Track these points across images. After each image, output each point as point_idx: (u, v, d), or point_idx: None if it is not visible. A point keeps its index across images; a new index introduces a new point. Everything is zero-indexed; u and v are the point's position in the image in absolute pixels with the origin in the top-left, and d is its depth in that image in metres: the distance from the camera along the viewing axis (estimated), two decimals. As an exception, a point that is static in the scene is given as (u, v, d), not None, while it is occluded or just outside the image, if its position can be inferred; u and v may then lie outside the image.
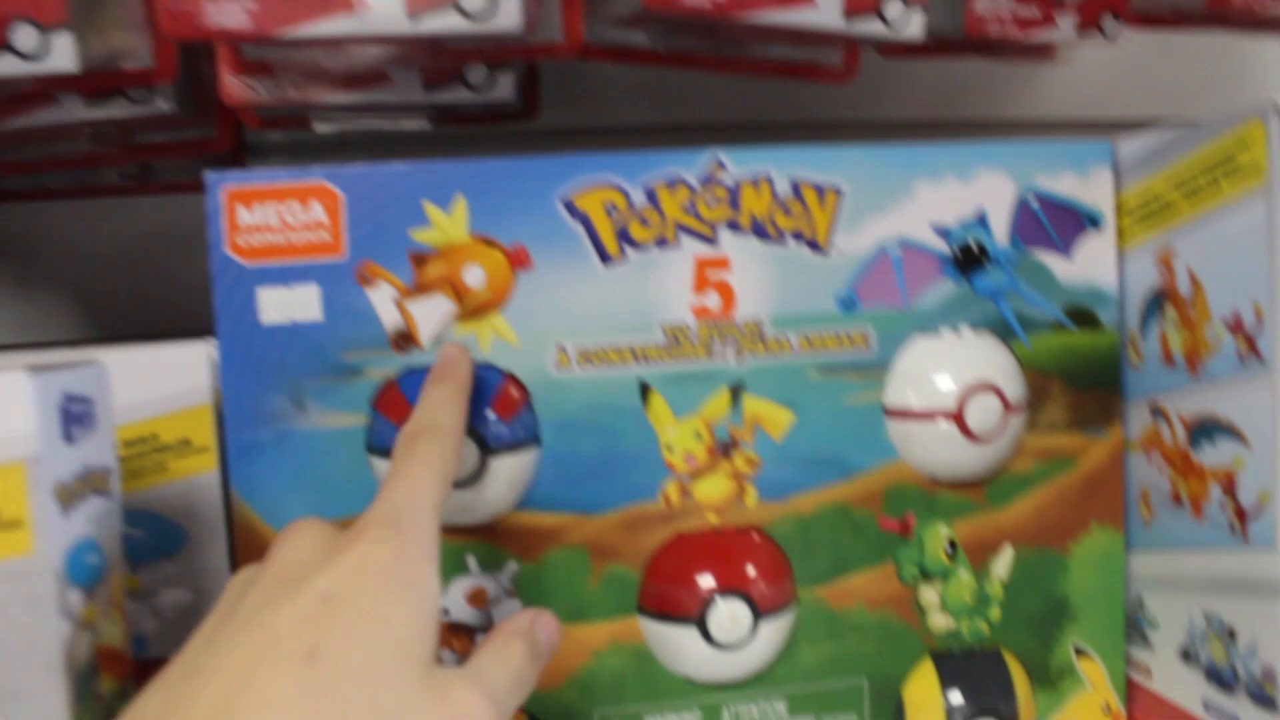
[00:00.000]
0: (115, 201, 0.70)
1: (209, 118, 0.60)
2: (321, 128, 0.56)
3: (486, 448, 0.45)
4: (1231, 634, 0.47)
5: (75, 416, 0.38)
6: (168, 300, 0.72)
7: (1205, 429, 0.48)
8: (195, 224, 0.72)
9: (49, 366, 0.37)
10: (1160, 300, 0.50)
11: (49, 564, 0.36)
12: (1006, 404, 0.49)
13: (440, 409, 0.41)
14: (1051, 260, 0.51)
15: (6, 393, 0.35)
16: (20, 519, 0.35)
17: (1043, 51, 0.61)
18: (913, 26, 0.50)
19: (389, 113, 0.56)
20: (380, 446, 0.46)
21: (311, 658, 0.31)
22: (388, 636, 0.32)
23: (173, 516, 0.47)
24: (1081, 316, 0.52)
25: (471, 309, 0.46)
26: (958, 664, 0.51)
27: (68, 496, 0.37)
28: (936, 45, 0.55)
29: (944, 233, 0.50)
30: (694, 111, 0.74)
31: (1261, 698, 0.46)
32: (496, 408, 0.46)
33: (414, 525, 0.35)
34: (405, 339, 0.46)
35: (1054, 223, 0.51)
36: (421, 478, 0.37)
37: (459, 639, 0.47)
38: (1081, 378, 0.52)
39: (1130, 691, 0.54)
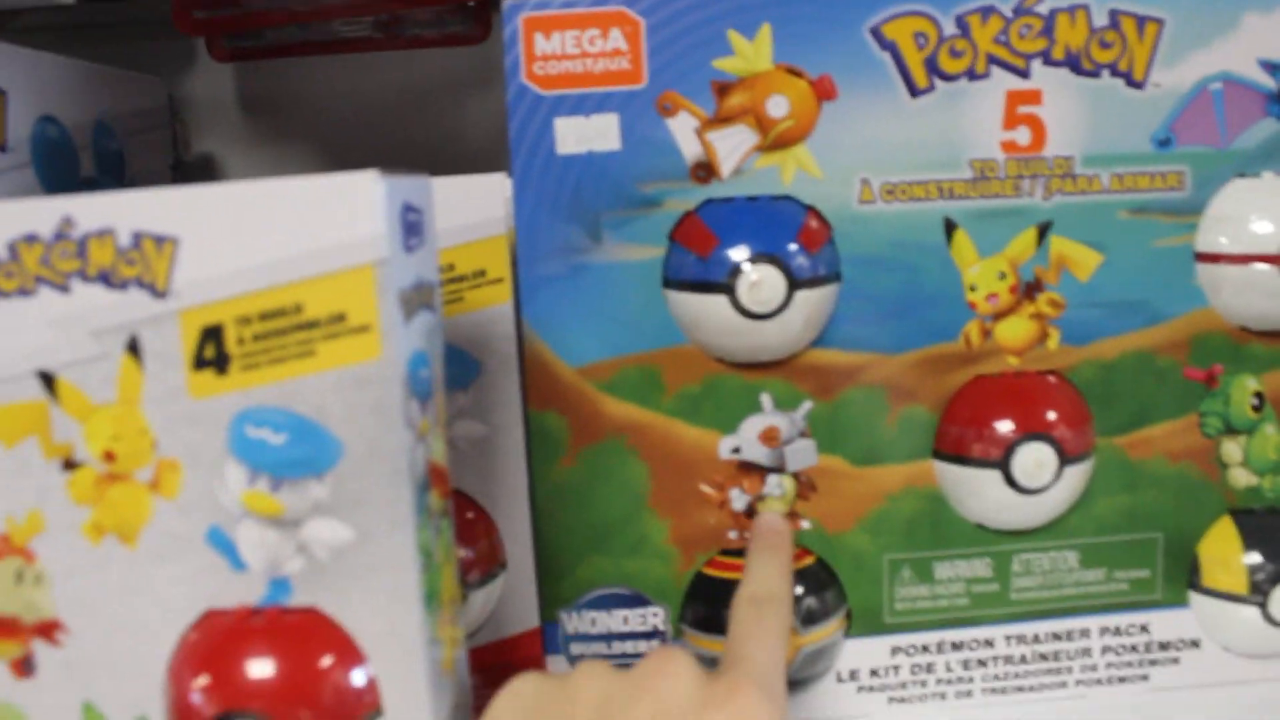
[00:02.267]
0: (363, 58, 0.71)
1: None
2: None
3: (793, 280, 0.44)
4: None
5: (412, 226, 0.37)
6: (417, 155, 0.72)
7: None
8: (440, 79, 0.73)
9: (390, 173, 0.37)
10: None
11: (396, 371, 0.36)
12: (1333, 249, 0.46)
13: (780, 580, 0.41)
14: (1380, 100, 0.48)
15: (360, 194, 0.35)
16: (370, 323, 0.35)
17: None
18: None
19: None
20: (677, 279, 0.45)
21: None
22: None
23: (468, 348, 0.47)
24: None
25: (774, 140, 0.45)
26: (1259, 522, 0.49)
27: (408, 305, 0.37)
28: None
29: (1272, 68, 0.47)
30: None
31: None
32: (801, 240, 0.45)
33: (780, 695, 0.36)
34: (706, 170, 0.45)
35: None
36: (776, 647, 0.37)
37: (749, 479, 0.47)
38: (1406, 227, 0.49)
39: None
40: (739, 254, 0.44)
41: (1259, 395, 0.48)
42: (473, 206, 0.46)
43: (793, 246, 0.45)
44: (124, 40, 0.69)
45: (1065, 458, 0.46)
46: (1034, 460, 0.46)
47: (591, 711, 0.34)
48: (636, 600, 0.48)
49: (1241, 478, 0.49)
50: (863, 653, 0.48)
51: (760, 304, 0.44)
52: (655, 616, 0.48)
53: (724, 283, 0.44)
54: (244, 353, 0.35)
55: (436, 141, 0.73)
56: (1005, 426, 0.46)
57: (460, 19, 0.66)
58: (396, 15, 0.65)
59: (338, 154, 0.73)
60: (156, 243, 0.35)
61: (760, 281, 0.44)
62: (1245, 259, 0.47)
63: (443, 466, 0.40)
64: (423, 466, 0.37)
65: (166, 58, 0.71)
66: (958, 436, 0.47)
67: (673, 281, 0.45)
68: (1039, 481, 0.46)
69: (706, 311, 0.45)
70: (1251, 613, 0.49)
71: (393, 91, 0.72)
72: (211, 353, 0.36)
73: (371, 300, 0.35)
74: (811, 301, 0.45)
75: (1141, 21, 0.46)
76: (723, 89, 0.45)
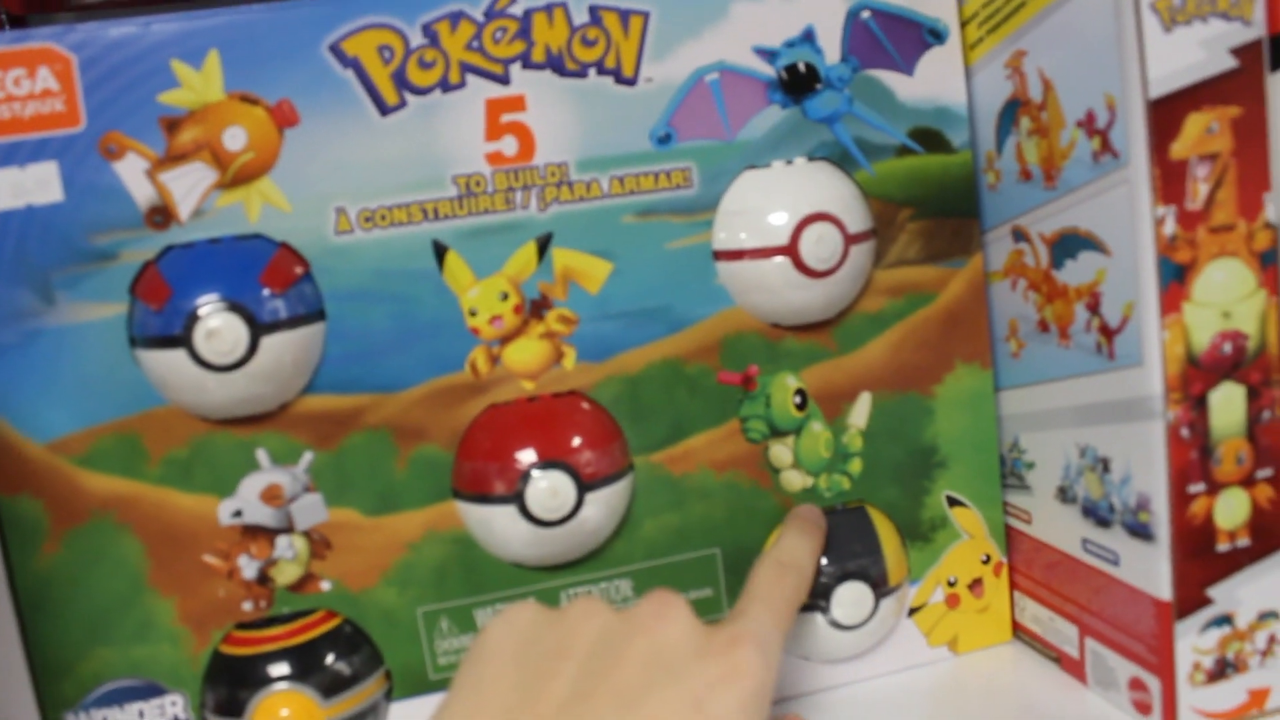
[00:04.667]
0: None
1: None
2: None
3: (258, 325, 0.41)
4: (1105, 465, 0.43)
5: None
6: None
7: (1066, 244, 0.44)
8: None
9: None
10: (1014, 110, 0.46)
11: None
12: (845, 234, 0.44)
13: (808, 556, 0.43)
14: (892, 79, 0.47)
15: None
16: None
17: None
18: None
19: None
20: (140, 336, 0.41)
21: None
22: None
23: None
24: (929, 138, 0.47)
25: (235, 176, 0.42)
26: (819, 525, 0.47)
27: None
28: None
29: (767, 54, 0.45)
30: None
31: (1137, 529, 0.42)
32: (266, 280, 0.41)
33: (775, 660, 0.35)
34: (163, 214, 0.41)
35: (891, 38, 0.46)
36: (786, 614, 0.38)
37: (257, 542, 0.43)
38: (934, 205, 0.47)
39: (1010, 539, 0.50)
40: (194, 303, 0.40)
41: (801, 393, 0.46)
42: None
43: (257, 288, 0.41)
44: None
45: (585, 484, 0.43)
46: (548, 490, 0.43)
47: (587, 645, 0.34)
48: (150, 690, 0.43)
49: (795, 480, 0.47)
50: (410, 715, 0.45)
51: (221, 354, 0.40)
52: (174, 705, 0.43)
53: (180, 335, 0.40)
54: None
55: None
56: (515, 458, 0.43)
57: None
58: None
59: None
60: None
61: (218, 330, 0.40)
62: (767, 253, 0.45)
63: None
64: None
65: None
66: (471, 473, 0.44)
67: (136, 339, 0.41)
68: (557, 512, 0.43)
69: (170, 368, 0.41)
70: (819, 619, 0.46)
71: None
72: None
73: None
74: (286, 345, 0.41)
75: (625, 15, 0.44)
76: (172, 125, 0.41)
